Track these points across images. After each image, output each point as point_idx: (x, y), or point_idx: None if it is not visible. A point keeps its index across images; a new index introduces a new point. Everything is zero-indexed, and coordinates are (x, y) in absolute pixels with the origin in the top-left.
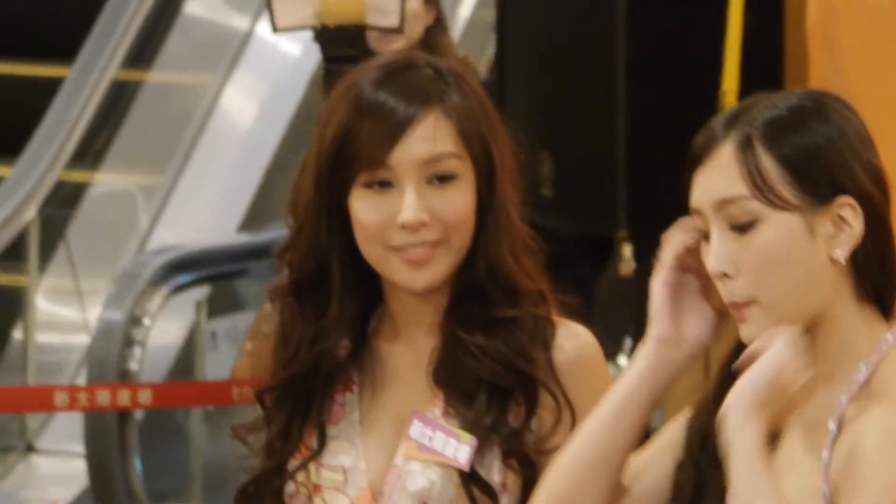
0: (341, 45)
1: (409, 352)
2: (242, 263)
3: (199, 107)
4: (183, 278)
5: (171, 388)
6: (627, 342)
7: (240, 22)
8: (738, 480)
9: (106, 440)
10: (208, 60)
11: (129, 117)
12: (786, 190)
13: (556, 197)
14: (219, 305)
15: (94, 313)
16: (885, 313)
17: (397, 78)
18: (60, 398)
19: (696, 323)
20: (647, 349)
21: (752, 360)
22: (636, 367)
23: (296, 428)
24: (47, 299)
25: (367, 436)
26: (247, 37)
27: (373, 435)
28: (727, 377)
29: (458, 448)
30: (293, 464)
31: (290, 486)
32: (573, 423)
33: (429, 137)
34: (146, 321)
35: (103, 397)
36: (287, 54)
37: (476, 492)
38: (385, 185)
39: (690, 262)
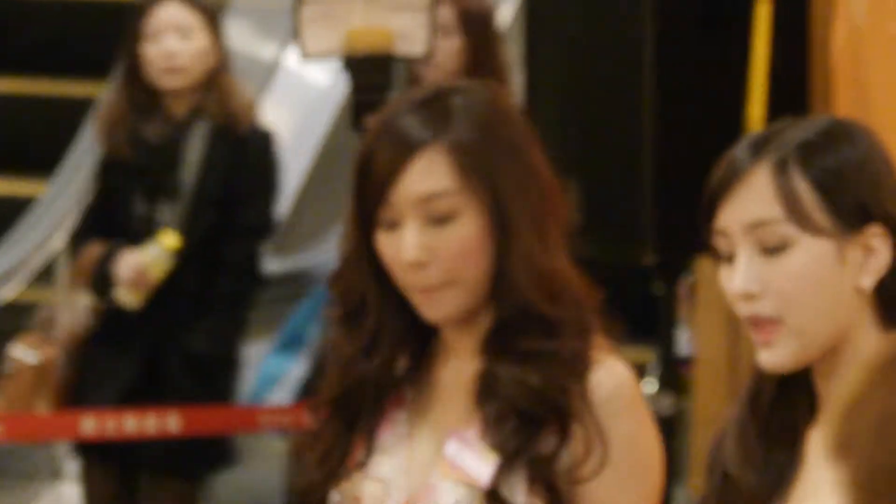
0: (369, 73)
1: (456, 374)
2: (272, 290)
3: None
4: None
5: (200, 413)
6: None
7: (267, 51)
8: None
9: None
10: None
11: None
12: (819, 215)
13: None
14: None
15: None
16: None
17: (408, 113)
18: (88, 424)
19: None
20: None
21: None
22: None
23: (345, 441)
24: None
25: (411, 452)
26: (274, 66)
27: (416, 452)
28: (745, 411)
29: (482, 467)
30: (339, 475)
31: (335, 497)
32: (604, 458)
33: (424, 174)
34: None
35: (130, 424)
36: (315, 83)
37: None
38: (394, 223)
39: None
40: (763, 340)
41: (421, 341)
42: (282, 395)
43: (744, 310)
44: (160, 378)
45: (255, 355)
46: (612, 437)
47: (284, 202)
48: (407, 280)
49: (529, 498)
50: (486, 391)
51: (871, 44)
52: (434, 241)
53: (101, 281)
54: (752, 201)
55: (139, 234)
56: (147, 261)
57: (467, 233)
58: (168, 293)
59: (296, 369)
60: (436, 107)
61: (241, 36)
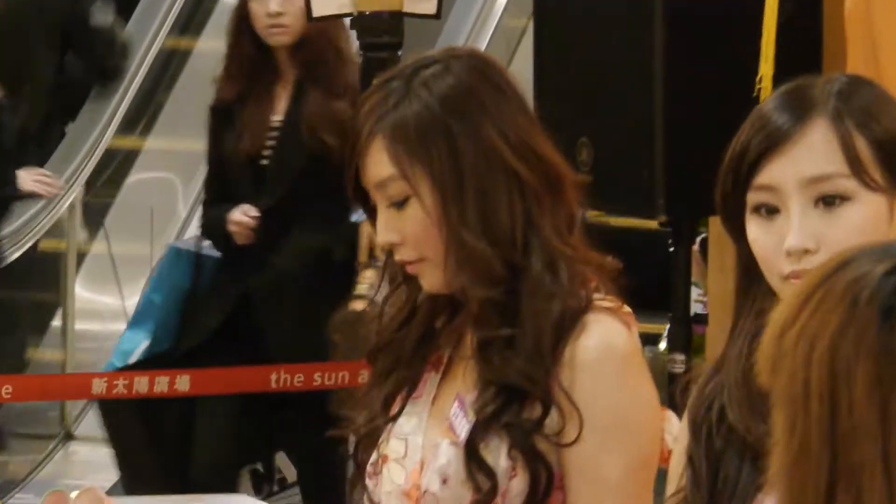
0: (378, 32)
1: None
2: None
3: None
4: None
5: (209, 375)
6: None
7: None
8: None
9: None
10: None
11: (176, 85)
12: (877, 172)
13: (595, 182)
14: None
15: (132, 301)
16: None
17: (366, 101)
18: (98, 385)
19: None
20: None
21: None
22: None
23: (388, 402)
24: (86, 287)
25: (433, 414)
26: None
27: (437, 413)
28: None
29: (464, 427)
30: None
31: (373, 456)
32: (585, 424)
33: (373, 163)
34: None
35: (141, 385)
36: None
37: (477, 473)
38: (374, 207)
39: None
40: None
41: (454, 305)
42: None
43: (791, 265)
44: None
45: None
46: (597, 401)
47: None
48: (395, 257)
49: (510, 461)
50: (477, 358)
51: (884, 1)
52: (398, 222)
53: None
54: (812, 155)
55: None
56: None
57: (421, 213)
58: None
59: (146, 342)
60: (393, 87)
61: None
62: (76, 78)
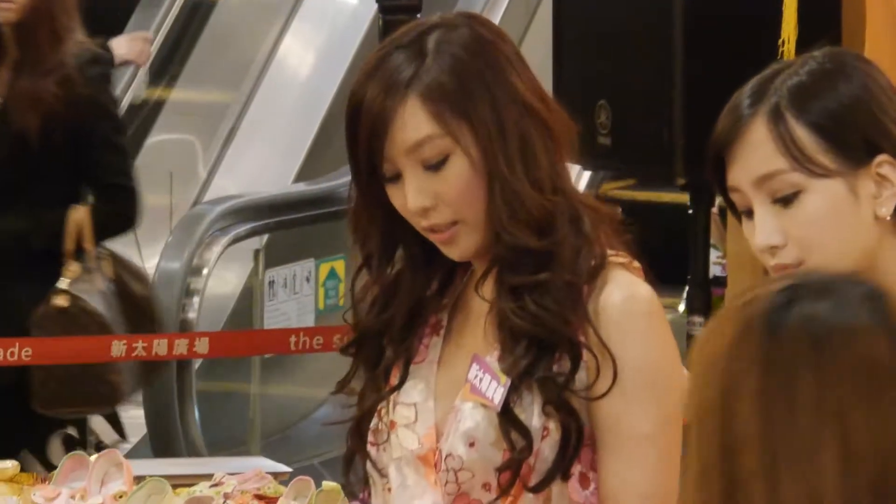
0: None
1: (483, 301)
2: (300, 212)
3: (257, 56)
4: (241, 228)
5: (228, 337)
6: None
7: None
8: None
9: (164, 388)
10: (267, 9)
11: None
12: (824, 157)
13: (613, 145)
14: (276, 254)
15: (152, 263)
16: None
17: (376, 71)
18: (117, 348)
19: None
20: None
21: None
22: None
23: (385, 368)
24: None
25: (441, 377)
26: None
27: (446, 377)
28: None
29: (496, 389)
30: (379, 403)
31: (374, 422)
32: (615, 374)
33: (406, 127)
34: (204, 270)
35: (161, 347)
36: (345, 2)
37: (512, 432)
38: (397, 176)
39: None
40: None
41: (447, 268)
42: None
43: (769, 261)
44: None
45: (286, 275)
46: (625, 356)
47: (313, 125)
48: (420, 226)
49: (543, 419)
50: (499, 319)
51: None
52: (434, 185)
53: None
54: (754, 156)
55: None
56: None
57: (461, 171)
58: None
59: None
60: (401, 55)
61: None
62: None
